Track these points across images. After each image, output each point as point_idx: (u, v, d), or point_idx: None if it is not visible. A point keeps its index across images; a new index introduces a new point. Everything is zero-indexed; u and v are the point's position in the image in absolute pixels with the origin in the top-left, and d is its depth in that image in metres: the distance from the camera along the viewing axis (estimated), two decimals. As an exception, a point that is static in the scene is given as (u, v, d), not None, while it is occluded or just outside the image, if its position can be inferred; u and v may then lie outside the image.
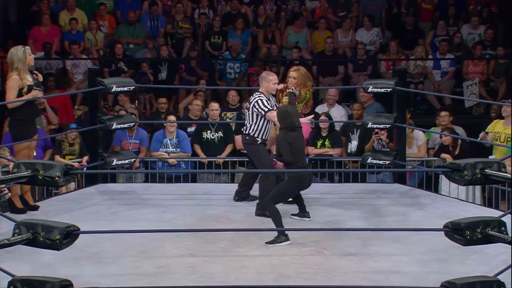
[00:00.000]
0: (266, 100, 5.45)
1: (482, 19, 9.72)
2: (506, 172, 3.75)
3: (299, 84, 5.49)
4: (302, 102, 5.53)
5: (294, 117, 4.97)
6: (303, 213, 5.24)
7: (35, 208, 5.44)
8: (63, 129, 7.42)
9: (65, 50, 9.43)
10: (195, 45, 9.46)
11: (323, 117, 7.26)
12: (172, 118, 7.36)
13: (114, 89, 5.98)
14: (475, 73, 9.07)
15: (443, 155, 6.88)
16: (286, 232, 4.73)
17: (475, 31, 9.58)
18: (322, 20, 9.73)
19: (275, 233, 4.74)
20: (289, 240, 4.71)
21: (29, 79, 5.29)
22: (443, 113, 7.34)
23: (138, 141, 7.22)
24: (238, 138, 7.24)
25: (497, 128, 6.90)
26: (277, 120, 5.16)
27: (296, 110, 5.22)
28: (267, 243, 4.70)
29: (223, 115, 7.65)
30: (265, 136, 5.53)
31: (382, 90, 6.04)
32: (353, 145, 7.23)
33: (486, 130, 6.96)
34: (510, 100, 7.11)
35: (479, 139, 6.91)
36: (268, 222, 4.93)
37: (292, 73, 5.56)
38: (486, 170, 3.69)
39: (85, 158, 6.85)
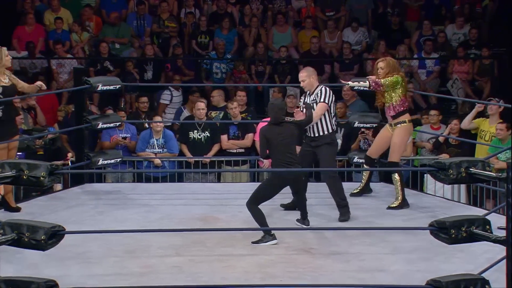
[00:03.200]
0: (301, 99, 5.58)
1: (466, 18, 9.77)
2: (490, 171, 3.76)
3: (387, 73, 5.56)
4: (396, 87, 5.54)
5: (280, 111, 4.94)
6: (302, 219, 5.07)
7: (17, 210, 5.39)
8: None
9: (50, 50, 9.35)
10: (180, 43, 9.42)
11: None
12: (158, 118, 7.32)
13: (100, 88, 5.94)
14: (460, 72, 9.12)
15: (444, 156, 6.88)
16: (273, 232, 4.72)
17: (459, 30, 9.64)
18: (309, 20, 9.74)
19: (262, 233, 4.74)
20: (275, 239, 4.70)
21: (4, 81, 5.26)
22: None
23: (129, 135, 7.19)
24: (224, 138, 7.24)
25: (483, 126, 6.95)
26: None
27: (285, 104, 5.20)
28: (254, 242, 4.69)
29: (208, 114, 7.63)
30: (309, 133, 5.43)
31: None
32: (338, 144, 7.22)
33: (474, 126, 7.01)
34: (497, 99, 7.15)
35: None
36: (255, 222, 4.91)
37: (380, 63, 5.65)
38: (471, 169, 3.70)
39: (70, 154, 6.82)
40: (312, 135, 5.44)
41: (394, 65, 5.64)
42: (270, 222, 5.09)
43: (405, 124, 5.65)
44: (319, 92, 5.41)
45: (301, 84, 5.47)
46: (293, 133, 5.01)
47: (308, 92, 5.49)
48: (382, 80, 5.56)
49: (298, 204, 5.11)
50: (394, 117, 5.63)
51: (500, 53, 9.29)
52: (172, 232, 4.82)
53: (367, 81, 5.59)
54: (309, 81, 5.45)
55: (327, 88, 5.46)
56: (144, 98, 7.80)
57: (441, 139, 7.08)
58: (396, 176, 5.61)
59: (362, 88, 5.75)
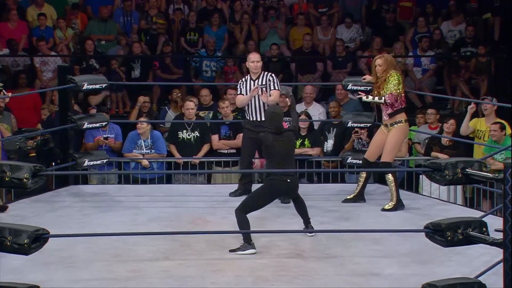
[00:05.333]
0: (241, 83, 5.79)
1: (462, 15, 9.66)
2: (487, 172, 3.72)
3: (384, 70, 5.52)
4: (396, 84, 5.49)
5: (281, 119, 4.86)
6: (305, 226, 4.91)
7: (4, 208, 5.30)
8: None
9: (34, 47, 9.17)
10: (169, 40, 9.27)
11: (303, 117, 7.13)
12: (143, 119, 7.16)
13: (85, 86, 5.84)
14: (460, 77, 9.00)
15: (434, 154, 6.77)
16: (253, 241, 4.56)
17: (455, 27, 9.53)
18: (301, 16, 9.61)
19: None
20: (254, 249, 4.55)
21: None
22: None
23: (113, 136, 7.04)
24: (215, 138, 7.09)
25: (480, 126, 6.83)
26: (238, 104, 5.80)
27: (283, 112, 5.13)
28: (231, 250, 4.57)
29: (196, 114, 7.50)
30: (252, 118, 5.71)
31: (362, 88, 5.92)
32: (329, 144, 7.10)
33: (472, 130, 6.90)
34: (489, 98, 7.05)
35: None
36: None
37: (378, 60, 5.59)
38: (467, 170, 3.66)
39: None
40: (258, 120, 5.64)
41: (391, 62, 5.56)
42: (261, 224, 5.02)
43: (402, 124, 5.55)
44: (271, 78, 5.71)
45: (255, 65, 5.69)
46: (292, 142, 4.90)
47: (249, 76, 5.73)
48: (393, 90, 5.45)
49: (299, 211, 4.95)
50: (391, 115, 5.53)
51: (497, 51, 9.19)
52: (161, 235, 4.74)
53: (383, 98, 5.48)
54: (261, 64, 5.76)
55: (274, 75, 5.78)
56: (146, 98, 7.60)
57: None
58: (390, 177, 5.52)
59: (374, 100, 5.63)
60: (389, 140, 5.53)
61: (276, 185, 4.70)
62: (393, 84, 5.46)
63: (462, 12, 9.64)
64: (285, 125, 5.30)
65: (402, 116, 5.54)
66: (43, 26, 9.18)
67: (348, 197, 5.72)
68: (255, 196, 4.78)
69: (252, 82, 5.71)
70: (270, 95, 5.66)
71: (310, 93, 7.79)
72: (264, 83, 5.67)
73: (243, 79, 5.82)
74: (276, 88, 5.70)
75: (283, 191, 4.80)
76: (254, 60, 5.71)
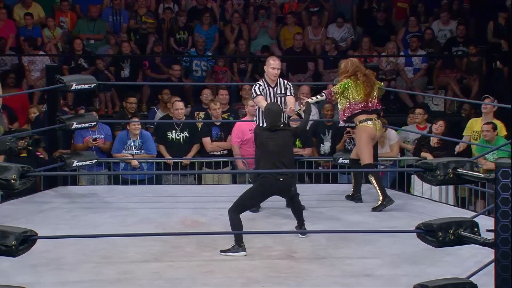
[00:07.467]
0: (260, 86, 5.44)
1: (452, 14, 9.66)
2: (478, 172, 3.71)
3: (340, 74, 5.56)
4: (345, 92, 5.48)
5: (277, 117, 4.81)
6: (299, 227, 4.88)
7: None
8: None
9: (21, 46, 9.07)
10: (159, 40, 9.21)
11: (294, 117, 7.08)
12: (135, 119, 7.10)
13: (74, 86, 5.78)
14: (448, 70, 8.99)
15: (424, 154, 6.74)
16: (244, 242, 4.53)
17: (445, 27, 9.52)
18: (292, 16, 9.58)
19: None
20: (245, 251, 4.51)
21: None
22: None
23: (102, 136, 6.98)
24: (207, 140, 7.01)
25: (475, 127, 6.79)
26: (261, 106, 5.29)
27: (281, 109, 5.09)
28: (222, 251, 4.53)
29: (195, 114, 7.43)
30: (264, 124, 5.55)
31: None
32: (326, 146, 7.06)
33: (464, 134, 6.86)
34: (491, 98, 7.01)
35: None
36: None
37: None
38: (458, 170, 3.64)
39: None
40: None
41: (344, 68, 5.56)
42: (252, 225, 5.00)
43: (357, 126, 5.59)
44: (287, 86, 5.49)
45: (275, 73, 5.41)
46: (288, 141, 4.82)
47: (265, 82, 5.44)
48: (333, 88, 5.56)
49: (293, 211, 4.91)
50: (345, 122, 5.68)
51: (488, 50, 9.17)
52: (150, 236, 4.70)
53: (324, 95, 5.57)
54: (279, 72, 5.49)
55: (290, 83, 5.58)
56: (132, 99, 7.50)
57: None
58: (371, 178, 5.53)
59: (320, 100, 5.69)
60: (356, 144, 5.70)
61: (268, 184, 4.65)
62: (338, 87, 5.52)
63: (453, 12, 9.64)
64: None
65: (357, 119, 5.59)
66: (29, 26, 9.08)
67: (349, 194, 5.80)
68: (247, 196, 4.72)
69: (271, 89, 5.44)
70: (286, 102, 5.46)
71: (306, 93, 7.72)
72: (283, 92, 5.46)
73: (261, 83, 5.44)
74: (292, 94, 5.50)
75: (276, 190, 4.73)
76: (274, 67, 5.36)
